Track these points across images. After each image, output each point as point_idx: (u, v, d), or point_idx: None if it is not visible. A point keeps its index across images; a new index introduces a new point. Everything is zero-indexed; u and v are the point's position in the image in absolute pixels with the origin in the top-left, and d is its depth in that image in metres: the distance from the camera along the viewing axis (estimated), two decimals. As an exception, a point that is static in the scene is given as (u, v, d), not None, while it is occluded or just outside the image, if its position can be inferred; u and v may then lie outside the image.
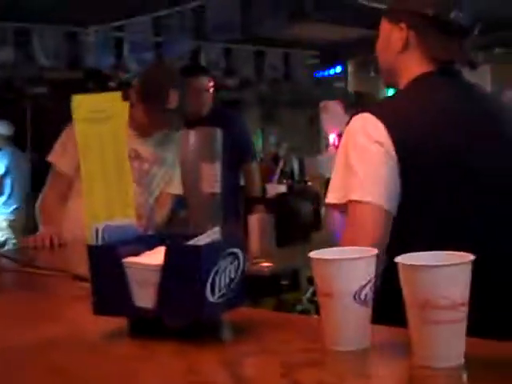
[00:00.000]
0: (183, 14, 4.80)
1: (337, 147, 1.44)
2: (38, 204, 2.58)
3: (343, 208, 1.28)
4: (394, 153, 1.24)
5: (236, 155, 3.41)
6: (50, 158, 2.55)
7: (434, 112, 1.30)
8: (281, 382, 0.74)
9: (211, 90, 3.64)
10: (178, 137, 2.73)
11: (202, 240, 0.91)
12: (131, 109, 2.14)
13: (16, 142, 5.77)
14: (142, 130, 2.43)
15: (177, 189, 2.68)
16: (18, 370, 0.84)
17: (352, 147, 1.27)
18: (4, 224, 5.44)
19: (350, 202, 1.25)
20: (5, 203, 5.49)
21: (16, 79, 5.90)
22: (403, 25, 1.35)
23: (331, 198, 1.29)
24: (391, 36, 1.38)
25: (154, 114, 2.42)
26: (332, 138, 6.35)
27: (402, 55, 1.37)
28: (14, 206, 5.48)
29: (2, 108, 6.00)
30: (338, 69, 6.99)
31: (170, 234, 1.07)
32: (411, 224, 1.27)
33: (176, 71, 3.13)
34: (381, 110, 1.31)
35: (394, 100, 1.43)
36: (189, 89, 3.58)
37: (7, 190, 5.52)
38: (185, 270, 0.87)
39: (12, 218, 5.46)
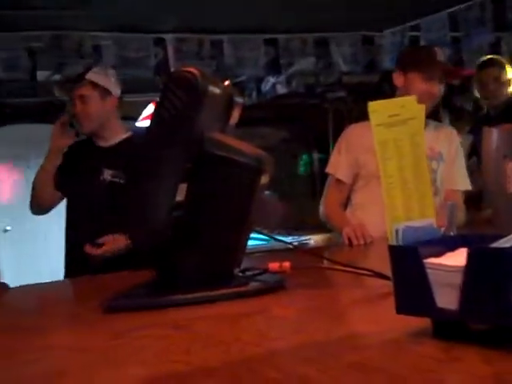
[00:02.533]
0: (483, 5, 4.62)
1: None
2: (320, 210, 2.71)
3: None
4: None
5: None
6: (328, 170, 2.68)
7: None
8: None
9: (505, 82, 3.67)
10: (449, 131, 2.68)
11: (506, 242, 0.87)
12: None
13: (319, 144, 6.08)
14: None
15: (464, 184, 2.62)
16: (323, 363, 0.88)
17: None
18: None
19: None
20: None
21: (317, 85, 6.22)
22: None
23: None
24: None
25: (428, 76, 2.46)
26: None
27: None
28: None
29: (306, 112, 6.38)
30: None
31: (473, 235, 1.04)
32: None
33: None
34: None
35: None
36: (477, 81, 3.58)
37: None
38: (488, 273, 0.84)
39: None
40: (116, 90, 2.79)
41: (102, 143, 2.81)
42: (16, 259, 7.06)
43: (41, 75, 4.54)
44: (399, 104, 1.08)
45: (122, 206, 2.53)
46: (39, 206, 2.88)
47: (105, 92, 2.74)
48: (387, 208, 1.02)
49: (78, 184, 2.76)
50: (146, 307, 1.29)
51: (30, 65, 4.47)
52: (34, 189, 2.83)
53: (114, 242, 2.54)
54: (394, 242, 0.96)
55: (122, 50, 4.72)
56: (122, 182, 2.66)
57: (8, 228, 7.18)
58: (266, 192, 1.42)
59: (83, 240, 2.59)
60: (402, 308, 0.93)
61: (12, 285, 1.96)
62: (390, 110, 1.07)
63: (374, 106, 1.05)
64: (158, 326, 1.17)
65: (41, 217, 2.97)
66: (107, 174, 2.70)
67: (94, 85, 2.72)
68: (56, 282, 2.30)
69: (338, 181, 2.64)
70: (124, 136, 2.82)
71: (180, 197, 1.31)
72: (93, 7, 4.15)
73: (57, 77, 4.36)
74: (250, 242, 1.43)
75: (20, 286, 1.88)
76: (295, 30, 5.05)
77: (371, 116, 1.05)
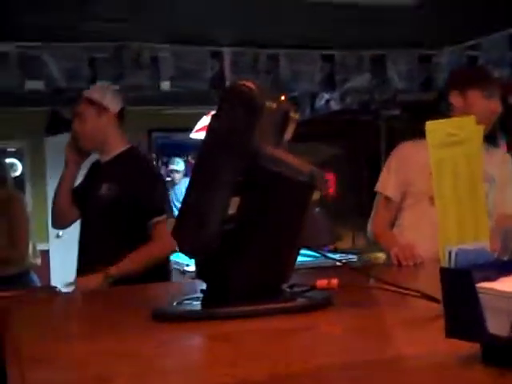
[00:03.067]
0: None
1: None
2: (368, 229, 2.69)
3: None
4: None
5: None
6: (377, 189, 2.67)
7: None
8: None
9: None
10: (501, 154, 2.65)
11: None
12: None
13: (370, 162, 6.04)
14: None
15: None
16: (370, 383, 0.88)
17: None
18: None
19: None
20: None
21: (372, 102, 6.18)
22: None
23: None
24: None
25: (489, 93, 2.47)
26: None
27: None
28: None
29: (359, 129, 6.35)
30: None
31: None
32: None
33: None
34: None
35: None
36: None
37: None
38: (544, 300, 0.82)
39: None
40: (113, 106, 2.78)
41: (103, 158, 2.83)
42: (67, 264, 7.19)
43: (100, 85, 4.64)
44: (457, 124, 1.07)
45: (115, 220, 2.59)
46: (56, 219, 2.95)
47: (100, 108, 2.74)
48: (440, 229, 1.00)
49: (82, 202, 2.82)
50: (193, 318, 1.30)
51: (90, 75, 4.57)
52: (52, 201, 2.91)
53: (87, 283, 2.44)
54: (446, 265, 0.94)
55: (179, 62, 4.78)
56: (113, 194, 2.66)
57: (60, 233, 7.34)
58: (316, 209, 1.42)
59: (85, 261, 2.66)
60: (452, 332, 0.91)
61: (63, 289, 2.00)
62: (448, 129, 1.06)
63: (431, 126, 1.04)
64: (205, 337, 1.18)
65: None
66: (104, 189, 2.70)
67: (90, 102, 2.74)
68: (105, 288, 2.34)
69: (387, 199, 2.63)
70: (122, 149, 2.81)
71: (232, 210, 1.31)
72: (153, 19, 4.23)
73: (115, 87, 4.45)
74: (298, 258, 1.43)
75: (70, 292, 1.92)
76: (352, 45, 5.04)
77: (428, 135, 1.04)
